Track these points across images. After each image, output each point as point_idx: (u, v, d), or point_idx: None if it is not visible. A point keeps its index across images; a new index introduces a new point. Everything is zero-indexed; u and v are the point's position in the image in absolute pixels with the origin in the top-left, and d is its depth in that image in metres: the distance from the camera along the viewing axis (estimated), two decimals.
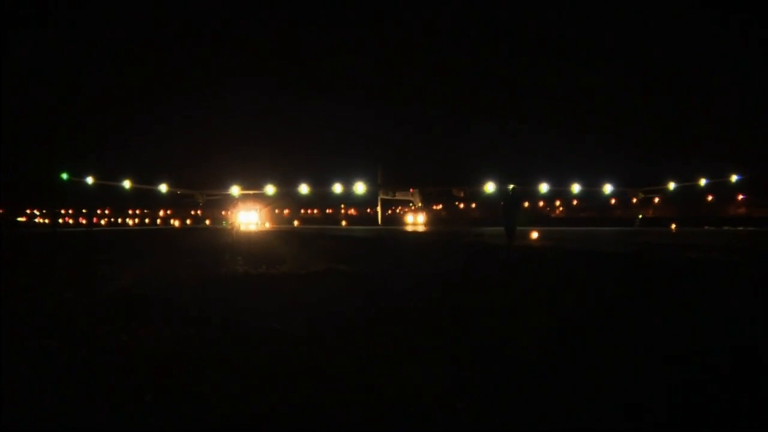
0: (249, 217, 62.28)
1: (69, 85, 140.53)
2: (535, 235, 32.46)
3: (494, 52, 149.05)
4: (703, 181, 61.12)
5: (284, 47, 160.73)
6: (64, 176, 55.82)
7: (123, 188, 60.45)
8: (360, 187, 61.91)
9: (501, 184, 58.35)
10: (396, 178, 68.19)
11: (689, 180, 61.87)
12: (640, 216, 60.13)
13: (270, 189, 61.01)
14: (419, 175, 70.61)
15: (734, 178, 59.51)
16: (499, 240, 25.08)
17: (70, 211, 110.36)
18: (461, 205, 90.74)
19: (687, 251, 19.32)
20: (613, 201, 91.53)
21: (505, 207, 25.72)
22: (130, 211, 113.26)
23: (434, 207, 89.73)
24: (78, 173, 57.17)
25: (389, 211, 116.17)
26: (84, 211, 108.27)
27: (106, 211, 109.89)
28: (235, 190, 60.59)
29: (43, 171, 70.73)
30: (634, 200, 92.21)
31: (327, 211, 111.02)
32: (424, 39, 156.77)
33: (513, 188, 27.66)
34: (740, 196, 77.97)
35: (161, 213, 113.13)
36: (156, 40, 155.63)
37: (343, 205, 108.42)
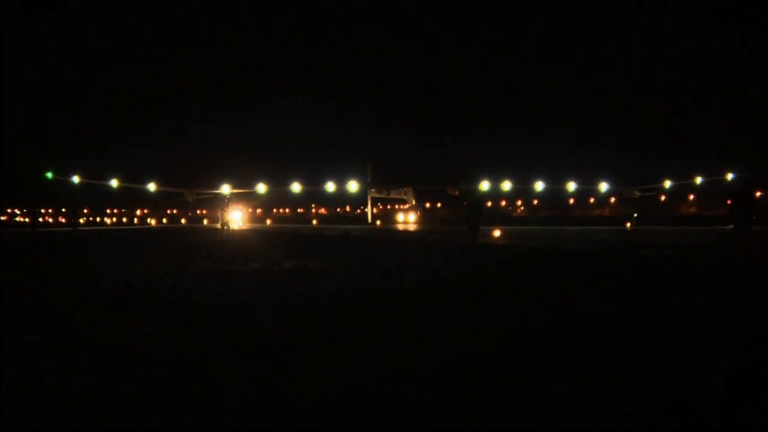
0: (233, 215, 61.47)
1: (55, 83, 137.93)
2: (497, 233, 32.51)
3: (487, 50, 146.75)
4: (698, 180, 58.54)
5: (273, 47, 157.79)
6: (49, 175, 53.77)
7: (110, 187, 57.56)
8: (353, 186, 59.63)
9: (496, 182, 56.51)
10: (388, 176, 65.48)
11: (676, 179, 59.88)
12: (636, 215, 58.40)
13: (261, 188, 58.78)
14: (412, 174, 67.58)
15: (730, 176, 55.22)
16: (463, 238, 25.15)
17: (50, 210, 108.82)
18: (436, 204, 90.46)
19: (639, 248, 19.89)
20: (571, 201, 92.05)
21: (468, 207, 25.70)
22: (108, 210, 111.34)
23: (428, 205, 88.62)
24: (61, 172, 55.16)
25: (358, 210, 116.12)
26: (63, 210, 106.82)
27: (85, 210, 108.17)
28: (225, 189, 58.90)
29: (25, 169, 69.05)
30: (592, 200, 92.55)
31: (298, 210, 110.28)
32: (414, 36, 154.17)
33: (475, 188, 27.69)
34: (691, 197, 78.08)
35: (138, 212, 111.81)
36: (146, 40, 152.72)
37: (314, 205, 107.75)
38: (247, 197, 63.47)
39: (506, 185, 57.31)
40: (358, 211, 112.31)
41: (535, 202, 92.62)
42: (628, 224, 49.64)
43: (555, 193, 66.78)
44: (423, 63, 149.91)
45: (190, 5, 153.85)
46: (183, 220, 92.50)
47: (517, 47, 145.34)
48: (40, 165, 56.37)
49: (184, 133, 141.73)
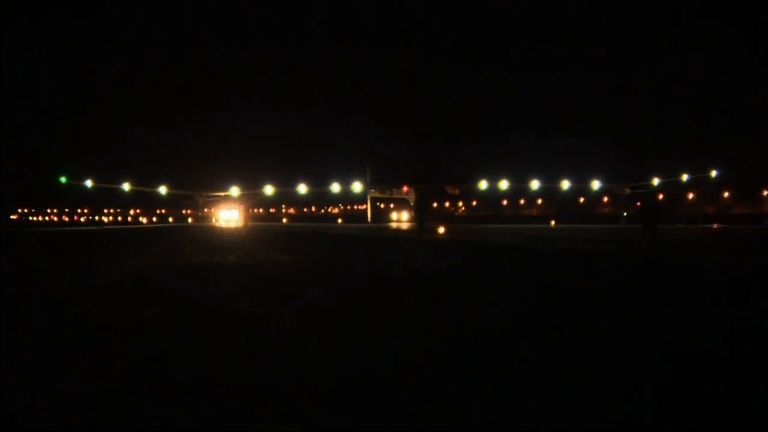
0: (229, 215, 59.77)
1: (66, 89, 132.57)
2: (441, 229, 33.09)
3: (482, 52, 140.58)
4: (684, 177, 54.39)
5: (269, 51, 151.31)
6: (63, 180, 49.83)
7: (122, 190, 53.72)
8: (357, 186, 55.34)
9: (493, 180, 52.44)
10: (388, 176, 60.18)
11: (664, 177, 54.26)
12: (625, 213, 52.54)
13: (269, 189, 55.00)
14: (412, 174, 60.61)
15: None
16: (412, 233, 25.73)
17: (55, 210, 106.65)
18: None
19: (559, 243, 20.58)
20: (505, 202, 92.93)
21: (415, 207, 26.26)
22: (105, 210, 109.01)
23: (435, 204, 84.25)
24: (72, 175, 50.97)
25: (323, 210, 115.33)
26: (66, 210, 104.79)
27: (85, 210, 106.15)
28: (234, 191, 56.69)
29: (37, 172, 66.15)
30: (522, 201, 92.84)
31: (271, 210, 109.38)
32: (413, 38, 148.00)
33: (423, 189, 28.24)
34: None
35: (131, 212, 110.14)
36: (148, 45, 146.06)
37: (284, 205, 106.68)
38: (243, 198, 61.10)
39: (503, 184, 52.77)
40: (324, 210, 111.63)
41: (474, 203, 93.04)
42: (552, 222, 50.30)
43: (551, 191, 61.35)
44: (422, 65, 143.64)
45: (199, 11, 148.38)
46: (170, 219, 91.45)
47: (517, 48, 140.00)
48: (53, 169, 53.82)
49: (189, 138, 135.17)
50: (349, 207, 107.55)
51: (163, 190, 55.15)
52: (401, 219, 63.19)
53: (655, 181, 52.42)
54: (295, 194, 58.41)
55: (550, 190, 59.31)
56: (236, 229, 39.36)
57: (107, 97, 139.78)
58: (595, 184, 54.22)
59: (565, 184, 53.98)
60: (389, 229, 38.96)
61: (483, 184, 53.07)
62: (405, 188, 59.93)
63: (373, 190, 59.35)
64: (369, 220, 62.79)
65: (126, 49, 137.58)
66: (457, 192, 61.01)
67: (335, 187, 56.39)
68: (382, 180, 59.43)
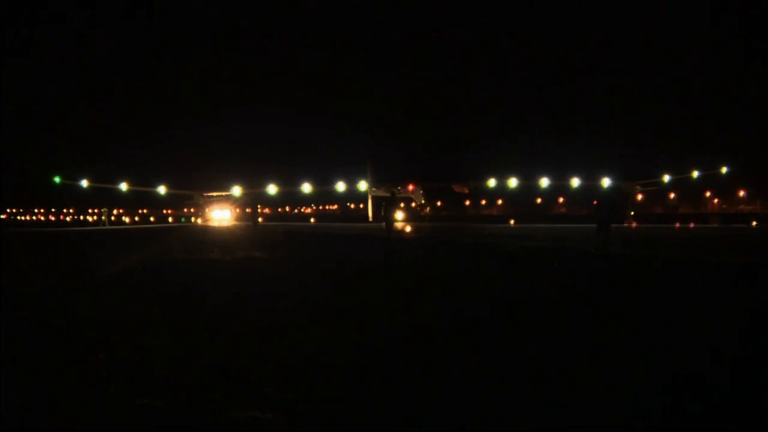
0: (221, 214, 58.43)
1: (63, 89, 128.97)
2: (408, 228, 33.28)
3: (490, 52, 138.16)
4: (695, 174, 51.87)
5: (268, 51, 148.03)
6: (57, 180, 48.31)
7: (119, 190, 51.31)
8: (363, 185, 54.37)
9: (503, 179, 50.44)
10: (390, 175, 58.43)
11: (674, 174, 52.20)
12: (632, 213, 51.00)
13: (272, 189, 54.49)
14: (419, 173, 60.13)
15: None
16: (381, 233, 25.86)
17: (42, 210, 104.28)
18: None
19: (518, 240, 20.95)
20: (468, 202, 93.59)
21: (385, 207, 26.29)
22: (90, 210, 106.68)
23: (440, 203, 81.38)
24: (68, 176, 49.73)
25: (297, 210, 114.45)
26: (53, 210, 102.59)
27: (71, 210, 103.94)
28: (236, 191, 54.58)
29: (22, 171, 64.29)
30: (483, 202, 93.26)
31: (246, 210, 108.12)
32: (418, 35, 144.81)
33: (393, 191, 28.26)
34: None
35: (115, 211, 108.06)
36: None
37: (259, 205, 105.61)
38: (236, 198, 59.18)
39: (512, 182, 50.60)
40: (299, 210, 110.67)
41: (439, 203, 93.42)
42: (512, 222, 50.77)
43: (557, 188, 58.10)
44: (423, 67, 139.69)
45: (197, 12, 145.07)
46: (152, 218, 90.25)
47: (524, 47, 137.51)
48: (44, 168, 51.92)
49: (188, 138, 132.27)
50: (321, 207, 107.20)
51: (162, 189, 53.01)
52: (396, 219, 61.08)
53: (666, 178, 51.07)
54: (299, 194, 56.51)
55: (560, 188, 56.57)
56: (228, 228, 38.91)
57: (103, 98, 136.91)
58: (605, 182, 49.59)
59: (575, 182, 51.15)
60: (382, 228, 38.87)
61: (492, 182, 51.10)
62: (411, 187, 57.94)
63: (374, 189, 56.87)
64: (370, 219, 59.05)
65: (125, 49, 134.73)
66: (465, 191, 59.01)
67: (340, 186, 54.37)
68: (383, 179, 56.89)
